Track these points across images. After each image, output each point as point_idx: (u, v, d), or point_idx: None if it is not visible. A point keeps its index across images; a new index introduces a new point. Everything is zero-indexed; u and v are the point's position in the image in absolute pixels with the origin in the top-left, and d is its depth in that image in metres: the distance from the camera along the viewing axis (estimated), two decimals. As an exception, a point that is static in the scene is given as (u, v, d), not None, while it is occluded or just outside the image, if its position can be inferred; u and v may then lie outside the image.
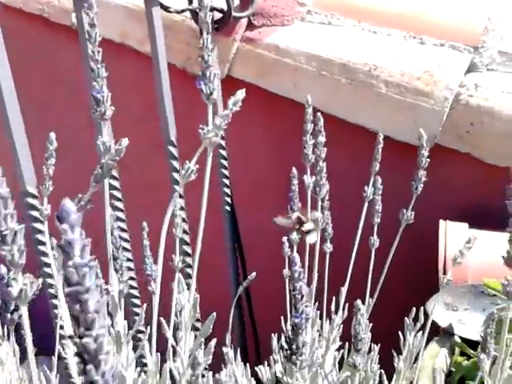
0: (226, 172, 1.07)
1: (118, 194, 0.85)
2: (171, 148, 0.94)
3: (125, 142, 0.43)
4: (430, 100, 0.92)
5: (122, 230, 0.81)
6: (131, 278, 0.84)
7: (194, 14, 1.01)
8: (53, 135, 0.51)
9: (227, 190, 1.07)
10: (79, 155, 1.47)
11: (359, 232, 0.65)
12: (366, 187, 0.65)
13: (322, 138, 0.57)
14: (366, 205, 0.65)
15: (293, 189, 0.65)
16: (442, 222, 0.89)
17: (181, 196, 0.90)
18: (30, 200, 0.73)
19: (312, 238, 0.65)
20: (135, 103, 1.25)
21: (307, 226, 0.63)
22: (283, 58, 1.04)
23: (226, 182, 1.07)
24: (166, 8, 0.92)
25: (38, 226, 0.74)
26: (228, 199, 1.08)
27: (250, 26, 1.08)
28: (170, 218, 0.49)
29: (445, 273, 0.80)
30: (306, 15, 1.08)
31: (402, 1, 1.05)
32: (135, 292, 0.88)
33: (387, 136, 0.97)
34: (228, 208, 1.08)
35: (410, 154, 0.96)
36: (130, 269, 0.81)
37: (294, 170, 0.66)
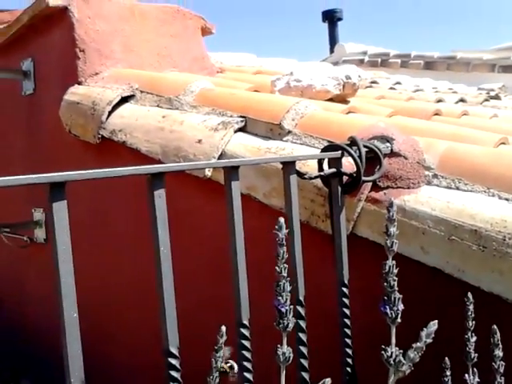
0: (347, 331, 1.05)
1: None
2: (299, 308, 0.94)
3: (327, 382, 0.44)
4: None
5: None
6: None
7: (324, 179, 1.07)
8: (223, 328, 0.53)
9: (349, 351, 1.04)
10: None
11: None
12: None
13: (498, 352, 0.55)
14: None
15: (445, 380, 0.62)
16: None
17: None
18: (172, 360, 0.76)
19: None
20: (255, 253, 1.29)
21: None
22: (410, 221, 1.05)
23: (348, 341, 1.05)
24: (301, 175, 0.99)
25: (174, 376, 0.76)
26: (349, 360, 1.04)
27: (375, 186, 1.12)
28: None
29: None
30: (432, 179, 1.10)
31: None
32: None
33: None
34: (349, 369, 1.04)
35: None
36: None
37: (447, 361, 0.63)
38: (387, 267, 0.46)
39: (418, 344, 0.46)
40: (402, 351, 0.49)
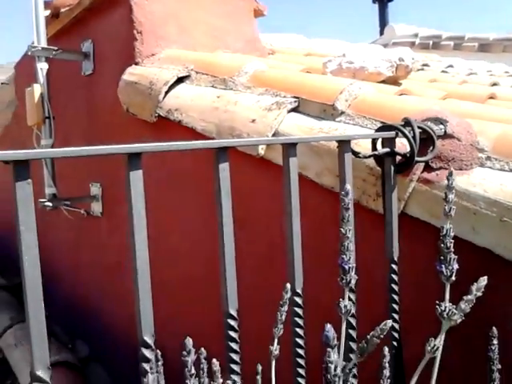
0: (395, 306, 1.08)
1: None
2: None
3: (388, 323, 0.48)
4: None
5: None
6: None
7: (377, 157, 1.09)
8: (288, 285, 0.58)
9: (396, 326, 1.08)
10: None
11: None
12: None
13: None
14: None
15: (492, 349, 0.65)
16: None
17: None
18: (231, 321, 0.82)
19: None
20: (304, 231, 1.34)
21: None
22: (461, 202, 1.06)
23: (396, 317, 1.08)
24: (356, 154, 1.02)
25: (233, 345, 0.82)
26: (395, 335, 1.08)
27: (428, 167, 1.14)
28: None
29: None
30: (485, 161, 1.11)
31: None
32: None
33: None
34: (395, 343, 1.08)
35: None
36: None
37: (495, 331, 0.66)
38: (445, 230, 0.50)
39: (469, 297, 0.50)
40: (454, 306, 0.53)
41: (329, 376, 0.38)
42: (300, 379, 0.93)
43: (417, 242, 1.18)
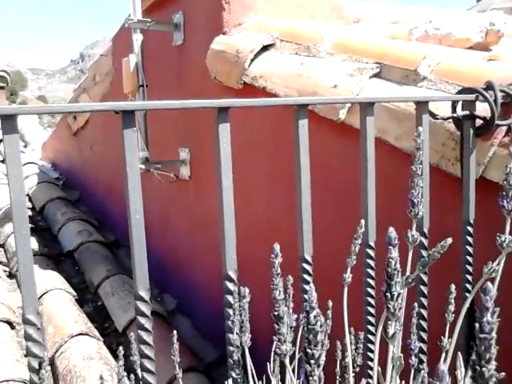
0: (469, 267, 1.10)
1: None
2: (423, 239, 1.02)
3: (449, 241, 0.53)
4: None
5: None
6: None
7: (456, 121, 1.10)
8: (362, 221, 0.64)
9: (469, 287, 1.10)
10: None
11: None
12: None
13: None
14: None
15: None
16: None
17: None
18: (306, 266, 0.89)
19: None
20: (382, 195, 1.37)
21: None
22: (544, 166, 1.05)
23: (469, 278, 1.10)
24: (433, 116, 1.04)
25: (307, 287, 0.90)
26: (467, 295, 1.10)
27: (509, 131, 1.13)
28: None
29: None
30: None
31: None
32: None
33: None
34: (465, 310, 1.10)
35: None
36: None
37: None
38: (508, 169, 0.53)
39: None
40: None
41: (389, 270, 0.45)
42: (370, 326, 0.99)
43: (495, 207, 1.18)
